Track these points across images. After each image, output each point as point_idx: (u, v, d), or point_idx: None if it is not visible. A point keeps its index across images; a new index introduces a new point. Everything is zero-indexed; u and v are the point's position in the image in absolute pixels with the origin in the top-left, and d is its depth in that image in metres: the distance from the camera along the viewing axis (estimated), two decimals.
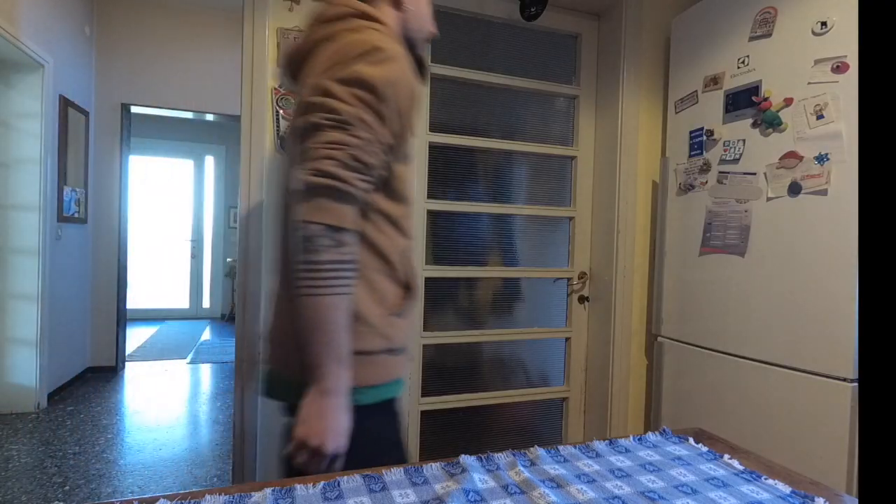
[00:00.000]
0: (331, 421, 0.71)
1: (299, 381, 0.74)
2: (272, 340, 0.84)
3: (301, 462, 0.72)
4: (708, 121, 1.66)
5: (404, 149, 0.82)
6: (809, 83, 1.35)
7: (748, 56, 1.53)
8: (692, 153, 1.72)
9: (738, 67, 1.56)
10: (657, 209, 1.89)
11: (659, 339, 1.85)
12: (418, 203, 1.80)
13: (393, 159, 0.80)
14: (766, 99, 1.47)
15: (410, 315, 0.89)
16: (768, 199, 1.46)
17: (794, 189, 1.39)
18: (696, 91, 1.71)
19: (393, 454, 0.82)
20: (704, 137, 1.67)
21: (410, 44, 0.90)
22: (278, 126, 1.57)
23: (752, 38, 1.52)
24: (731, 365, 1.56)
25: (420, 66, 0.92)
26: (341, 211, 0.70)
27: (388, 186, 0.80)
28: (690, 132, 1.73)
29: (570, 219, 2.06)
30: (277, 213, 0.89)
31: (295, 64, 0.87)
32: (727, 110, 1.60)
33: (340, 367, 0.71)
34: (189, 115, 3.90)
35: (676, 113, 1.81)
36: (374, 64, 0.73)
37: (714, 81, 1.64)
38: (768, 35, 1.47)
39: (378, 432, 0.81)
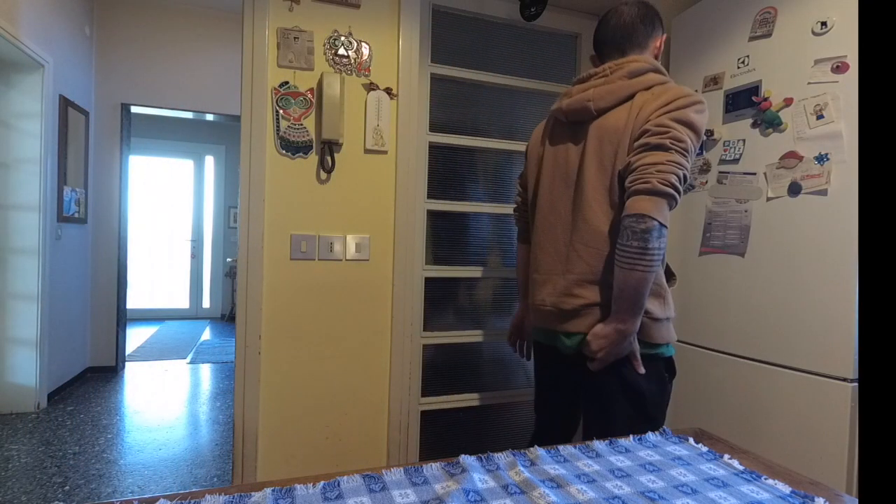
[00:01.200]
0: (614, 345, 1.04)
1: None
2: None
3: (592, 357, 1.06)
4: (708, 121, 1.66)
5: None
6: (809, 83, 1.35)
7: (748, 56, 1.53)
8: None
9: (738, 67, 1.56)
10: None
11: None
12: (417, 203, 1.80)
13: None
14: (766, 99, 1.47)
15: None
16: (768, 199, 1.46)
17: (794, 189, 1.39)
18: (696, 91, 1.71)
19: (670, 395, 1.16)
20: (704, 137, 1.67)
21: None
22: (278, 126, 1.57)
23: (752, 38, 1.52)
24: (731, 365, 1.56)
25: None
26: (668, 213, 0.97)
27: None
28: None
29: None
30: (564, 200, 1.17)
31: (606, 103, 1.11)
32: (727, 110, 1.60)
33: (634, 318, 1.01)
34: (189, 115, 3.89)
35: None
36: (698, 112, 1.03)
37: (714, 81, 1.64)
38: (768, 35, 1.47)
39: (672, 376, 1.14)
